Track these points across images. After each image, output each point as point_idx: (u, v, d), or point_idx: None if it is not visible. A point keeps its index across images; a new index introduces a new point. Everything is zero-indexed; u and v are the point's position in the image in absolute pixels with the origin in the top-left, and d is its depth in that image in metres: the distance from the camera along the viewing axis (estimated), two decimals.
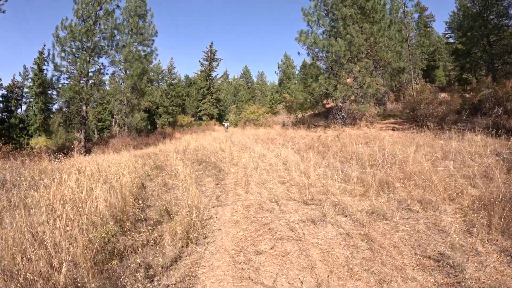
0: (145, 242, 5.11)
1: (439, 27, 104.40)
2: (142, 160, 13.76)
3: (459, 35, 37.30)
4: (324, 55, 24.46)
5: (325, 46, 23.32)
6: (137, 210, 6.26)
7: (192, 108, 51.79)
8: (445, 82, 47.32)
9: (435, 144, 11.50)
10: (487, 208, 5.36)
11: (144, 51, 28.63)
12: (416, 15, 38.41)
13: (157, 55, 29.57)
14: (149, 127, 41.45)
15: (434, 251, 4.46)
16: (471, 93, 23.85)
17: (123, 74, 27.40)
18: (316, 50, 24.84)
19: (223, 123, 40.75)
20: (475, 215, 5.25)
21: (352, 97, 24.40)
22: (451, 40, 49.20)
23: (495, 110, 20.68)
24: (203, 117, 50.81)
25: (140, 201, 6.69)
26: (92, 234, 4.72)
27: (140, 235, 5.42)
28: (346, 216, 5.72)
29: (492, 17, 30.86)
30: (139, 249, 4.74)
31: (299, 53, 62.14)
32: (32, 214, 5.58)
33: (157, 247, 4.96)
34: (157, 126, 45.92)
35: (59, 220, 4.99)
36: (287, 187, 7.69)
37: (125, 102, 27.41)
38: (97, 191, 6.29)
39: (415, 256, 4.38)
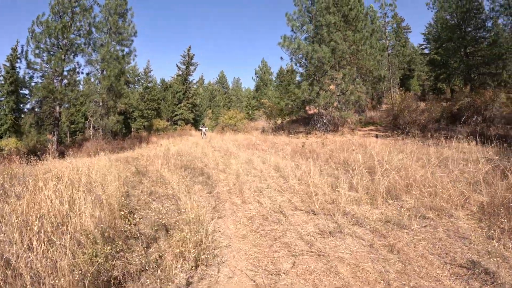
0: (144, 265, 4.24)
1: (414, 38, 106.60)
2: (122, 165, 13.18)
3: (436, 46, 37.89)
4: (307, 61, 24.25)
5: (309, 51, 23.14)
6: (130, 225, 5.13)
7: (167, 112, 50.86)
8: (419, 91, 48.16)
9: (424, 151, 11.36)
10: (496, 213, 5.25)
11: (122, 51, 27.59)
12: (393, 26, 38.74)
13: (135, 55, 28.54)
14: (124, 130, 40.38)
15: (463, 259, 4.22)
16: (448, 102, 24.12)
17: (99, 74, 26.35)
18: (300, 55, 24.66)
19: (200, 128, 34.20)
20: (489, 220, 5.19)
21: (335, 104, 24.30)
22: (426, 51, 50.10)
23: (474, 119, 21.43)
24: (179, 122, 49.75)
25: (132, 214, 5.92)
26: (80, 259, 3.70)
27: (137, 255, 4.57)
28: (363, 226, 5.27)
29: (469, 29, 31.58)
30: (139, 274, 4.01)
31: (281, 58, 61.14)
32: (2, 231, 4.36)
33: (160, 271, 4.09)
34: (132, 129, 44.86)
35: (36, 241, 3.91)
36: (288, 196, 7.24)
37: (101, 104, 26.43)
38: (81, 202, 5.25)
39: (446, 265, 4.09)
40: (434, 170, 7.33)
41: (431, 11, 35.20)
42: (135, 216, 5.79)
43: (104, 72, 25.83)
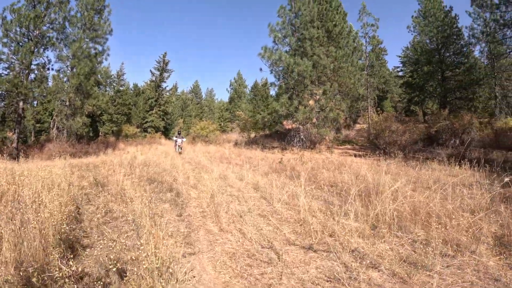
0: None
1: (389, 60, 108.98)
2: (79, 172, 11.87)
3: (413, 68, 38.32)
4: (287, 74, 23.42)
5: (290, 64, 22.35)
6: (69, 265, 3.39)
7: (138, 118, 48.97)
8: (391, 113, 48.67)
9: (412, 173, 10.92)
10: None
11: (95, 49, 26.03)
12: (370, 47, 39.07)
13: (108, 55, 27.03)
14: (91, 134, 38.52)
15: None
16: (422, 124, 24.09)
17: (69, 71, 24.73)
18: (280, 67, 23.86)
19: (174, 138, 24.07)
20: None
21: (313, 120, 23.59)
22: (400, 73, 51.29)
23: (452, 141, 21.98)
24: (149, 129, 48.15)
25: (74, 247, 4.56)
26: None
27: None
28: (378, 269, 4.13)
29: (448, 54, 32.36)
30: None
31: (261, 69, 59.72)
32: None
33: None
34: (100, 134, 42.85)
35: None
36: (275, 224, 6.08)
37: (68, 103, 24.77)
38: None
39: None
40: (430, 195, 6.68)
41: (411, 34, 35.94)
42: (80, 249, 4.51)
43: (74, 70, 24.20)
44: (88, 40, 25.40)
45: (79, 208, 6.88)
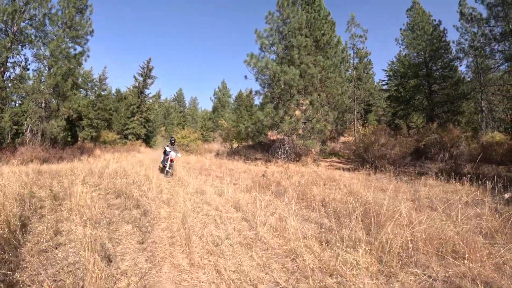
0: None
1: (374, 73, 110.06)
2: (42, 180, 10.78)
3: (398, 82, 38.49)
4: (274, 82, 22.48)
5: (277, 72, 21.41)
6: None
7: (119, 124, 47.29)
8: (376, 126, 48.93)
9: (407, 189, 10.37)
10: None
11: (74, 49, 24.77)
12: (357, 59, 38.86)
13: (88, 56, 25.81)
14: (69, 139, 37.01)
15: None
16: (412, 138, 23.82)
17: (46, 71, 23.38)
18: (267, 75, 22.92)
19: (166, 147, 16.80)
20: None
21: (300, 131, 22.69)
22: (385, 87, 51.56)
23: (441, 155, 22.27)
24: (130, 136, 46.58)
25: None
26: None
27: None
28: None
29: (436, 67, 32.59)
30: None
31: (246, 76, 59.44)
32: None
33: None
34: (79, 139, 41.21)
35: None
36: (259, 257, 4.86)
37: (43, 105, 23.40)
38: None
39: None
40: (437, 217, 5.88)
41: (399, 47, 36.11)
42: None
43: (52, 70, 22.86)
44: (68, 39, 24.13)
45: (26, 224, 5.85)
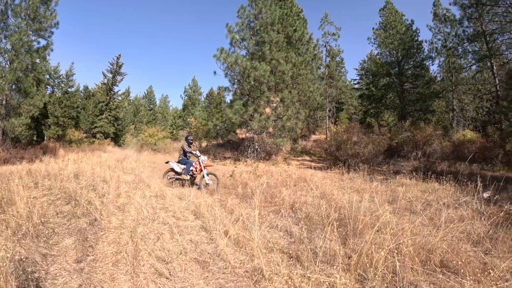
0: None
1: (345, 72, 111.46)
2: None
3: (369, 81, 39.20)
4: (243, 78, 21.81)
5: (247, 68, 20.74)
6: None
7: (86, 123, 45.53)
8: (348, 124, 49.51)
9: (382, 190, 9.88)
10: None
11: (38, 42, 23.40)
12: (336, 56, 38.83)
13: (52, 50, 24.51)
14: (35, 138, 35.40)
15: None
16: (382, 136, 23.65)
17: (7, 66, 21.94)
18: (236, 71, 22.21)
19: (184, 148, 12.25)
20: None
21: (270, 129, 22.09)
22: (356, 86, 52.46)
23: (414, 153, 22.30)
24: (98, 135, 44.59)
25: None
26: None
27: None
28: None
29: (408, 66, 33.09)
30: None
31: (215, 72, 58.60)
32: None
33: None
34: (45, 138, 39.52)
35: None
36: (216, 279, 4.02)
37: (4, 102, 22.00)
38: None
39: None
40: (412, 219, 5.65)
41: (372, 45, 36.39)
42: None
43: (13, 65, 21.46)
44: (31, 32, 22.77)
45: None
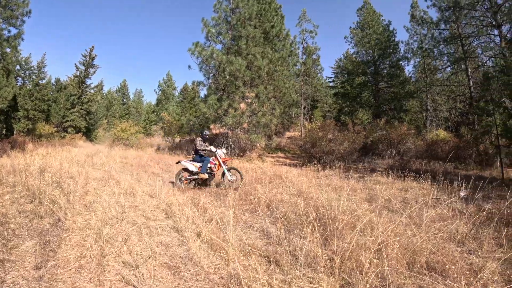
0: None
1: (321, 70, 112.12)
2: None
3: (344, 79, 39.25)
4: (218, 73, 21.43)
5: (222, 62, 20.36)
6: None
7: (57, 117, 44.12)
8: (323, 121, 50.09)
9: (359, 187, 9.92)
10: None
11: (9, 31, 22.47)
12: (313, 53, 38.94)
13: (23, 39, 23.49)
14: (4, 132, 34.13)
15: None
16: (362, 133, 23.73)
17: None
18: (212, 65, 21.81)
19: (199, 141, 10.72)
20: None
21: (244, 125, 21.80)
22: (331, 84, 52.63)
23: (389, 151, 22.73)
24: (69, 129, 43.40)
25: None
26: None
27: None
28: None
29: (383, 66, 33.59)
30: None
31: (189, 66, 57.85)
32: None
33: None
34: (14, 132, 38.07)
35: None
36: (189, 287, 3.63)
37: None
38: None
39: None
40: (392, 219, 5.50)
41: (348, 44, 36.85)
42: None
43: None
44: (1, 20, 21.75)
45: None
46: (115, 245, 4.63)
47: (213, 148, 10.45)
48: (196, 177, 10.30)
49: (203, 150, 10.60)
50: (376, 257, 3.83)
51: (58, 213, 6.00)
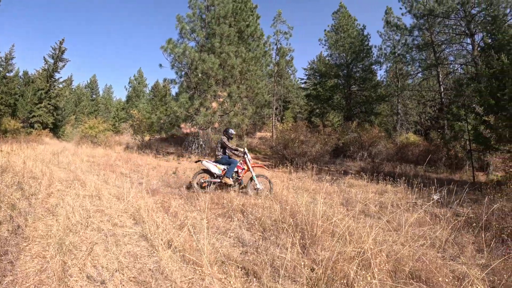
0: None
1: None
2: None
3: (319, 81, 39.45)
4: (191, 71, 21.05)
5: (195, 60, 19.99)
6: None
7: (24, 111, 42.57)
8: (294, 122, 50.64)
9: (331, 190, 9.75)
10: None
11: None
12: (286, 54, 39.04)
13: None
14: None
15: None
16: (334, 135, 23.91)
17: None
18: (184, 63, 21.40)
19: (223, 142, 9.64)
20: None
21: (216, 125, 21.50)
22: (303, 85, 53.97)
23: (360, 154, 23.05)
24: (36, 125, 41.64)
25: None
26: None
27: None
28: None
29: (356, 69, 34.00)
30: None
31: (161, 65, 56.72)
32: None
33: None
34: None
35: None
36: None
37: None
38: None
39: None
40: (367, 222, 5.39)
41: (322, 47, 37.04)
42: None
43: None
44: None
45: None
46: (78, 256, 4.18)
47: (245, 149, 9.56)
48: (219, 181, 9.24)
49: (235, 150, 9.55)
50: (362, 267, 3.61)
51: (18, 219, 5.46)
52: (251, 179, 9.23)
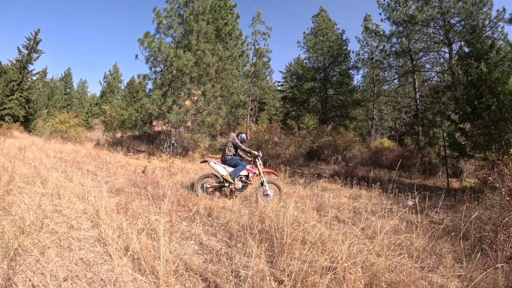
0: None
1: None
2: None
3: (296, 84, 39.44)
4: (165, 67, 20.64)
5: (170, 56, 19.56)
6: None
7: None
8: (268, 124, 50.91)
9: (304, 194, 9.63)
10: None
11: None
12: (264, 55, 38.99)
13: None
14: None
15: None
16: (309, 138, 24.30)
17: None
18: (159, 58, 20.95)
19: (234, 141, 9.13)
20: None
21: (188, 123, 21.14)
22: (279, 88, 53.83)
23: (334, 157, 22.96)
24: (6, 118, 39.87)
25: None
26: None
27: None
28: None
29: (333, 73, 34.30)
30: None
31: (136, 56, 55.70)
32: None
33: None
34: None
35: None
36: None
37: None
38: None
39: None
40: (342, 230, 5.11)
41: (301, 49, 37.07)
42: None
43: None
44: None
45: None
46: (28, 261, 3.75)
47: (258, 152, 9.00)
48: (226, 184, 8.61)
49: (248, 152, 8.98)
50: (335, 282, 3.35)
51: None
52: (262, 184, 8.64)
